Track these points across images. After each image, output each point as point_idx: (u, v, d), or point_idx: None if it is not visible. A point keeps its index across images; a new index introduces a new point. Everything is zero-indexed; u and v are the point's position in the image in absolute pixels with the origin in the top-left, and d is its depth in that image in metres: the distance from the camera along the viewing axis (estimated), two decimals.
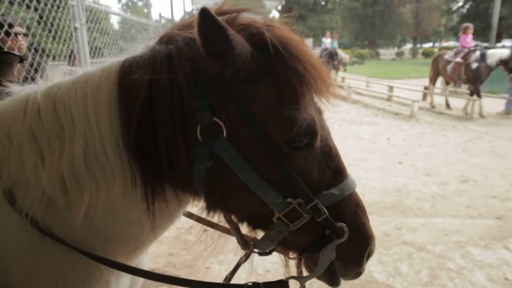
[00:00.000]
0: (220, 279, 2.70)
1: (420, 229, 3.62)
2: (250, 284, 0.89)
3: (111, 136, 0.79)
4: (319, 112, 0.88)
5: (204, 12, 0.68)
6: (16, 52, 1.60)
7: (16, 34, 2.47)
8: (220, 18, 0.80)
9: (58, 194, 0.79)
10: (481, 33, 22.89)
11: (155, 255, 3.07)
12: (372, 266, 2.97)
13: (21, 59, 1.10)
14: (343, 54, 16.24)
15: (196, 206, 0.94)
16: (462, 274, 2.89)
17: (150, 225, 0.86)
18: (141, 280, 1.17)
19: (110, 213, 0.83)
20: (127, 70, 0.80)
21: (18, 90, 0.90)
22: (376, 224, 3.72)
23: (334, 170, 0.87)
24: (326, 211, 0.83)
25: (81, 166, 0.79)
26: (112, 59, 0.87)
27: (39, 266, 0.83)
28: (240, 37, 0.75)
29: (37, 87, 0.86)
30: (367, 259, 0.92)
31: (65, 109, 0.80)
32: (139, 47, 0.86)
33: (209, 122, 0.77)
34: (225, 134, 0.78)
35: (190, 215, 1.04)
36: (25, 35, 2.68)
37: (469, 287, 2.73)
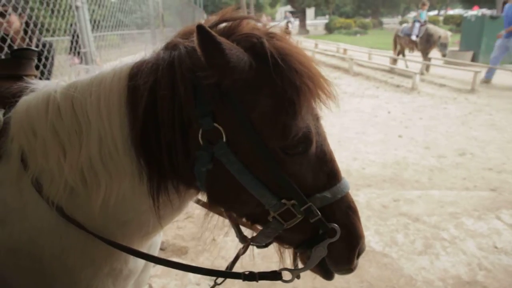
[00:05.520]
0: (225, 250, 2.86)
1: (417, 201, 3.76)
2: (247, 273, 0.96)
3: (121, 136, 0.85)
4: (317, 118, 0.91)
5: (200, 29, 0.71)
6: (34, 48, 1.61)
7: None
8: (222, 26, 0.85)
9: (78, 184, 0.86)
10: (489, 0, 22.17)
11: (164, 228, 3.22)
12: (369, 236, 3.13)
13: (39, 54, 1.13)
14: (440, 31, 10.85)
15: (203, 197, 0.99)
16: (454, 243, 3.05)
17: (156, 217, 0.92)
18: (155, 255, 1.27)
19: (123, 203, 0.90)
20: (134, 76, 0.85)
21: (40, 86, 0.96)
22: (375, 196, 3.86)
23: (328, 174, 0.91)
24: (319, 213, 0.87)
25: (97, 160, 0.85)
26: (123, 63, 0.91)
27: (66, 246, 0.92)
28: (237, 49, 0.77)
29: (56, 86, 0.92)
30: (357, 256, 0.97)
31: (82, 109, 0.86)
32: (148, 52, 0.90)
33: (209, 127, 0.81)
34: (224, 139, 0.82)
35: (197, 201, 1.11)
36: (19, 14, 2.62)
37: (460, 255, 2.90)
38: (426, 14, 11.47)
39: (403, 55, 11.99)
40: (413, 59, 11.51)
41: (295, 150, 0.84)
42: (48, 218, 0.90)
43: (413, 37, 11.04)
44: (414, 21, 11.22)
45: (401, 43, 11.71)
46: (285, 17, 19.81)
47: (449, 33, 10.75)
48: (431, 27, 10.97)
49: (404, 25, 12.30)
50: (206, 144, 0.83)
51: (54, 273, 0.93)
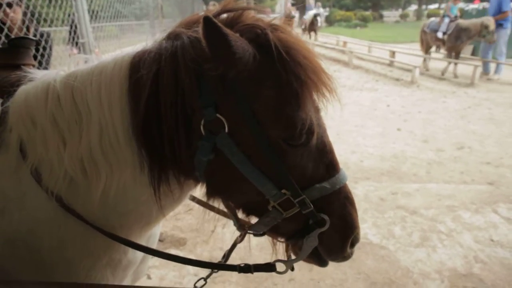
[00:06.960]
0: (224, 241, 2.88)
1: (415, 194, 3.78)
2: (242, 265, 0.97)
3: (122, 125, 0.84)
4: (317, 110, 0.92)
5: (206, 20, 0.71)
6: (31, 36, 1.59)
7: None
8: (224, 16, 0.84)
9: (78, 175, 0.86)
10: None
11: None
12: (367, 228, 3.15)
13: (37, 43, 1.12)
14: (482, 18, 8.99)
15: (200, 191, 0.99)
16: (451, 236, 3.07)
17: (158, 207, 0.93)
18: (154, 246, 1.27)
19: (123, 194, 0.90)
20: (136, 65, 0.84)
21: (39, 76, 0.95)
22: (373, 189, 3.87)
23: (327, 165, 0.93)
24: (312, 205, 0.89)
25: (97, 150, 0.85)
26: (124, 53, 0.90)
27: (65, 236, 0.92)
28: (242, 40, 0.77)
29: (55, 75, 0.91)
30: (352, 246, 0.99)
31: (82, 98, 0.85)
32: (149, 42, 0.89)
33: (212, 117, 0.81)
34: (226, 130, 0.82)
35: (192, 198, 1.11)
36: (17, 4, 2.60)
37: (457, 247, 2.92)
38: (458, 9, 9.98)
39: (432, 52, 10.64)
40: (412, 53, 11.45)
41: (297, 141, 0.85)
42: (47, 208, 0.90)
43: (439, 34, 9.62)
44: (444, 16, 9.77)
45: (427, 40, 10.41)
46: (307, 8, 17.11)
47: (491, 20, 8.72)
48: (462, 21, 9.38)
49: (432, 19, 10.78)
50: (208, 134, 0.83)
51: (53, 264, 0.94)
